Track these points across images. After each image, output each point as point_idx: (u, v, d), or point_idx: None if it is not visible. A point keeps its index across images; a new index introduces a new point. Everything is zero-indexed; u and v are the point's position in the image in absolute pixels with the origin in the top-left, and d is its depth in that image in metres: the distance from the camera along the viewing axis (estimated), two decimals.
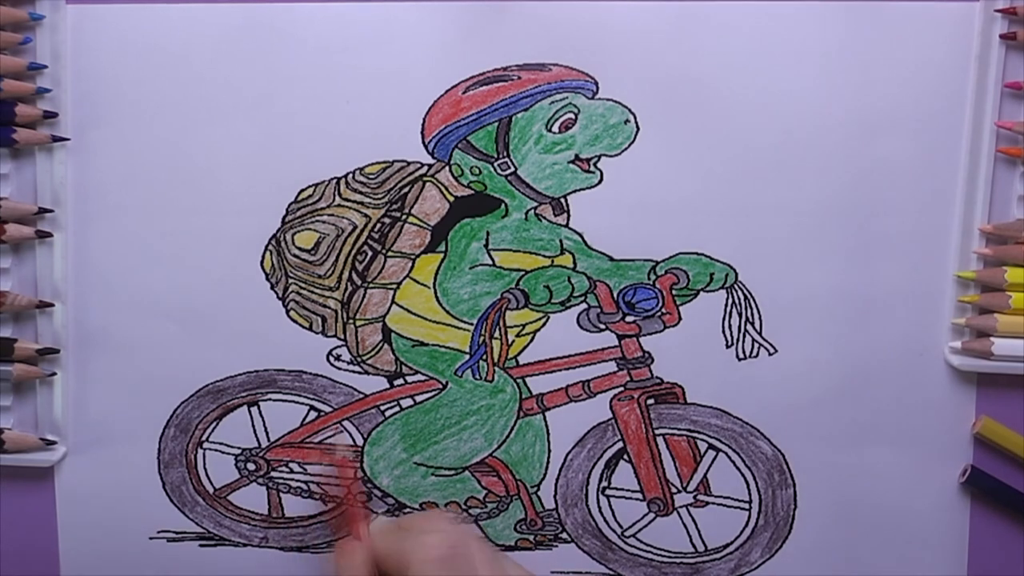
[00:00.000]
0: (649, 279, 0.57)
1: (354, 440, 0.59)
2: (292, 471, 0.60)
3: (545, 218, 0.57)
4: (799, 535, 0.58)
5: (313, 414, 0.59)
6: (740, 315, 0.57)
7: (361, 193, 0.57)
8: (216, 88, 0.57)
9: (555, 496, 0.59)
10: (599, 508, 0.59)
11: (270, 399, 0.59)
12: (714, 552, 0.59)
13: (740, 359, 0.57)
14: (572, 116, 0.56)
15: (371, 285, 0.57)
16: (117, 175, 0.58)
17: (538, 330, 0.58)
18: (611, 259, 0.57)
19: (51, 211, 0.57)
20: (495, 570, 0.50)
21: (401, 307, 0.58)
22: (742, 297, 0.57)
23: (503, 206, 0.57)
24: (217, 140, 0.57)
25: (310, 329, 0.58)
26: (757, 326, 0.57)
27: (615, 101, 0.56)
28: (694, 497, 0.59)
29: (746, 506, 0.58)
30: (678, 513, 0.59)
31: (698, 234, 0.56)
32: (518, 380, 0.58)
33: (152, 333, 0.58)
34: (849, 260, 0.56)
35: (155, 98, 0.57)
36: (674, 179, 0.56)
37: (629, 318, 0.57)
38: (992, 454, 0.57)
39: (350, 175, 0.57)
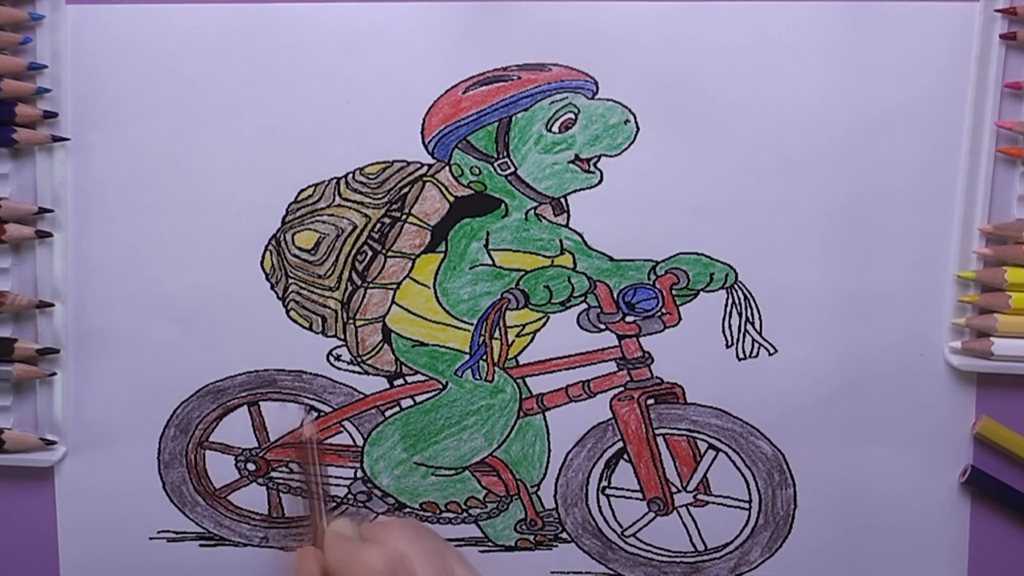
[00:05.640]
0: (649, 279, 0.57)
1: (354, 440, 0.59)
2: (292, 471, 0.60)
3: (545, 218, 0.57)
4: (799, 535, 0.58)
5: (313, 414, 0.59)
6: (740, 315, 0.57)
7: (361, 193, 0.57)
8: (216, 88, 0.57)
9: (555, 496, 0.59)
10: (599, 508, 0.59)
11: (270, 399, 0.59)
12: (714, 552, 0.59)
13: (740, 359, 0.57)
14: (572, 116, 0.56)
15: (371, 285, 0.57)
16: (117, 175, 0.58)
17: (538, 330, 0.58)
18: (611, 259, 0.57)
19: (51, 211, 0.57)
20: None
21: (401, 307, 0.58)
22: (742, 297, 0.57)
23: (503, 206, 0.57)
24: (217, 140, 0.57)
25: (310, 329, 0.58)
26: (757, 326, 0.57)
27: (615, 101, 0.56)
28: (694, 497, 0.59)
29: (746, 506, 0.58)
30: (678, 513, 0.59)
31: (698, 234, 0.56)
32: (518, 380, 0.58)
33: (152, 333, 0.58)
34: (849, 260, 0.56)
35: (155, 98, 0.57)
36: (674, 179, 0.56)
37: (629, 318, 0.57)
38: (992, 454, 0.57)
39: (350, 175, 0.57)
